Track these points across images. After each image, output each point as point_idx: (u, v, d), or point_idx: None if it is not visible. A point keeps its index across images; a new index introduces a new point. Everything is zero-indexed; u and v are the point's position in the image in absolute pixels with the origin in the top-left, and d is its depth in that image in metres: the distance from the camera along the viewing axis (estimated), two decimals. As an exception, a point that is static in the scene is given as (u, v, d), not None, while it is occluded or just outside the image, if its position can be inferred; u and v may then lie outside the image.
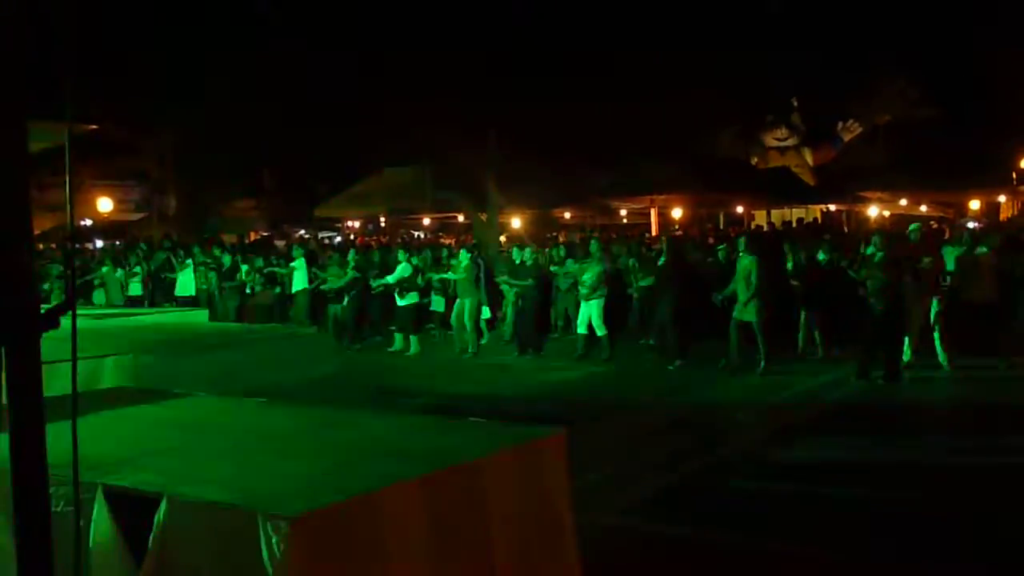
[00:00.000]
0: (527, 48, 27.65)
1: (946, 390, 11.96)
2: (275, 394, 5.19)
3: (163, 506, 2.99)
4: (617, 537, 6.56)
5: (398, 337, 15.96)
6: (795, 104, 38.85)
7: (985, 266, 13.23)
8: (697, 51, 30.87)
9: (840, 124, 38.16)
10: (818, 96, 35.09)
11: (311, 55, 29.23)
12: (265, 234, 34.91)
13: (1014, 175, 25.21)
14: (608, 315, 14.57)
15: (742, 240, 13.67)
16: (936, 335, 12.63)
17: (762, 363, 12.74)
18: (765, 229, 28.95)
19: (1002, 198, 28.73)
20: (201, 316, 9.58)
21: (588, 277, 14.45)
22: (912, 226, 14.14)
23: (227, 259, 18.43)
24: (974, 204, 29.95)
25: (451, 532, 3.20)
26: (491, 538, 3.31)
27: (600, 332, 14.42)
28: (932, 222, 26.93)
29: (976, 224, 21.42)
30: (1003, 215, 28.18)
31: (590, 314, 14.47)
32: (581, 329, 14.67)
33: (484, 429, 3.87)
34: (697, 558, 6.31)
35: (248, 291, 17.82)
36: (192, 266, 18.17)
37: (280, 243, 28.96)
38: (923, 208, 32.15)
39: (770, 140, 39.85)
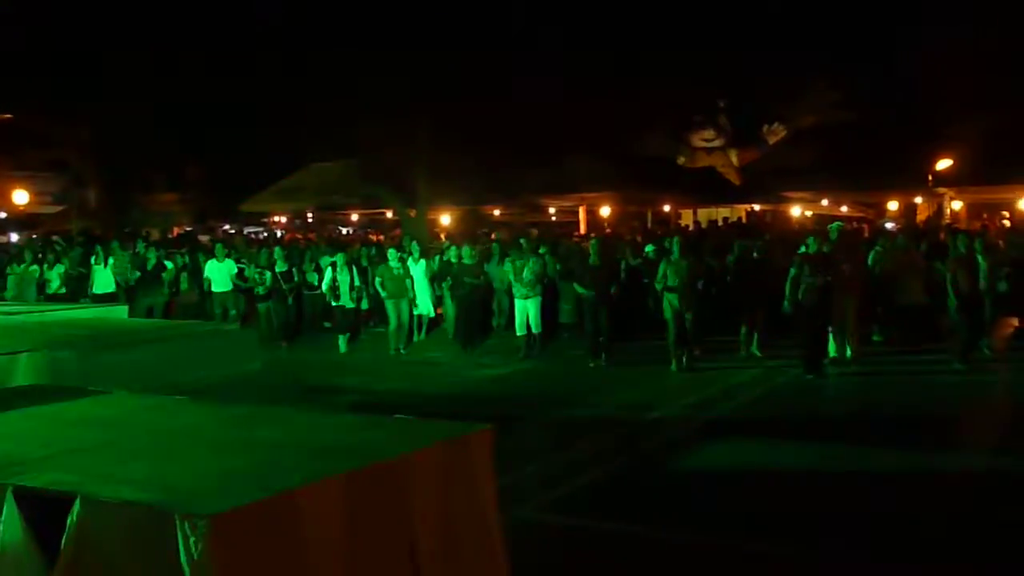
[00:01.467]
0: (456, 42, 27.54)
1: (870, 385, 12.21)
2: (197, 391, 5.09)
3: (76, 506, 2.91)
4: (542, 533, 6.60)
5: (341, 339, 15.78)
6: (722, 106, 39.49)
7: (916, 268, 13.66)
8: (626, 51, 31.11)
9: (765, 126, 38.88)
10: (744, 99, 35.72)
11: (238, 48, 28.75)
12: (189, 229, 34.28)
13: (930, 177, 25.93)
14: (545, 313, 14.65)
15: (676, 241, 13.77)
16: (848, 331, 12.99)
17: (684, 359, 12.96)
18: (691, 229, 29.29)
19: (919, 199, 29.53)
20: (120, 312, 9.38)
21: (527, 275, 14.43)
22: (832, 225, 14.46)
23: (152, 254, 17.96)
24: (892, 205, 30.75)
25: (375, 530, 3.17)
26: (415, 536, 3.29)
27: (536, 330, 14.43)
28: (853, 222, 27.56)
29: (894, 225, 21.99)
30: (920, 216, 28.98)
31: (528, 313, 14.45)
32: (521, 331, 14.67)
33: (409, 426, 3.85)
34: (620, 552, 6.39)
35: (174, 288, 17.39)
36: (111, 261, 17.70)
37: (204, 238, 28.46)
38: (844, 209, 32.92)
39: (697, 141, 40.46)
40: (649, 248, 16.86)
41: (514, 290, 14.70)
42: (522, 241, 15.87)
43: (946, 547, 6.29)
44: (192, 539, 2.70)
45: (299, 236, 30.49)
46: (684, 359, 13.00)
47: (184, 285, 17.25)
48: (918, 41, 27.47)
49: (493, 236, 20.93)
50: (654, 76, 30.96)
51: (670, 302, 12.96)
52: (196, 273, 17.45)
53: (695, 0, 31.88)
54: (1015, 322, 15.00)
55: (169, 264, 17.67)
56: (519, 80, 28.34)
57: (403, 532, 3.25)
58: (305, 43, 27.87)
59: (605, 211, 30.58)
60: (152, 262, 17.38)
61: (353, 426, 3.98)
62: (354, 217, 36.03)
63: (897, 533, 6.53)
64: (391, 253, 15.87)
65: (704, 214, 34.47)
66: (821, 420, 10.45)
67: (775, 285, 13.14)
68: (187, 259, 18.24)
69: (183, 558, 2.69)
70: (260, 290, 16.21)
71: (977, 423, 10.17)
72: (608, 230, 28.25)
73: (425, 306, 16.16)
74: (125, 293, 17.04)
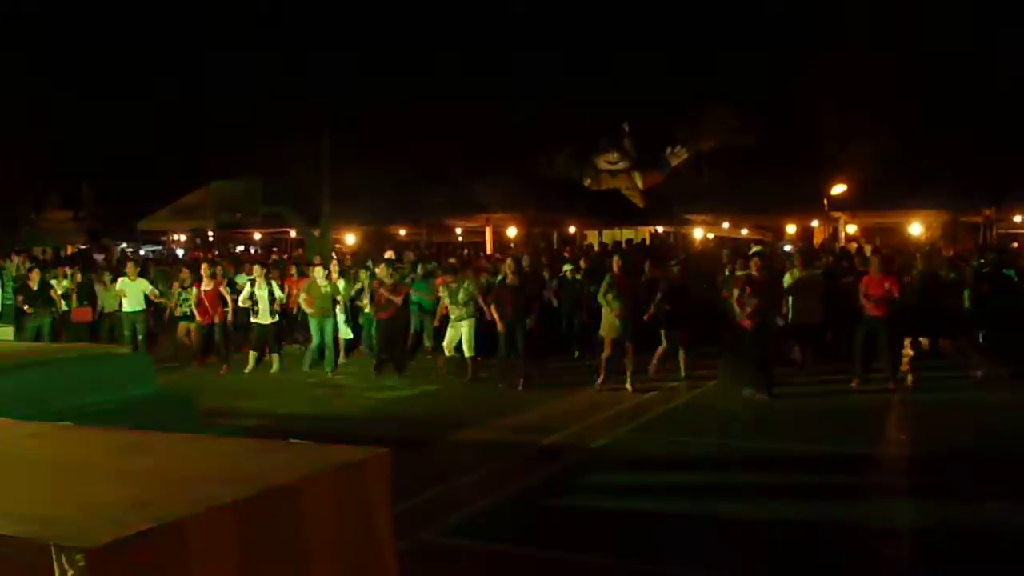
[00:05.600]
0: (360, 55, 27.46)
1: (792, 403, 12.37)
2: (82, 418, 4.89)
3: (-56, 541, 2.75)
4: (439, 557, 6.54)
5: (252, 356, 15.51)
6: (626, 129, 40.15)
7: (816, 288, 14.02)
8: (532, 75, 31.41)
9: (668, 149, 39.65)
10: (648, 122, 36.38)
11: (137, 67, 28.18)
12: (83, 247, 33.23)
13: (825, 201, 26.74)
14: (478, 337, 14.43)
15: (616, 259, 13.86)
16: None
17: (598, 380, 13.05)
18: (597, 250, 29.55)
19: (815, 223, 30.41)
20: (5, 334, 9.02)
21: (462, 296, 14.26)
22: (755, 249, 14.81)
23: (36, 274, 17.20)
24: (791, 228, 31.60)
25: (266, 558, 3.07)
26: (309, 563, 3.20)
27: (468, 354, 14.21)
28: (752, 244, 28.21)
29: (791, 247, 22.58)
30: (816, 239, 29.84)
31: (460, 336, 14.26)
32: (449, 351, 14.52)
33: (302, 451, 3.75)
34: (517, 573, 6.37)
35: (65, 307, 16.71)
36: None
37: (99, 256, 27.61)
38: (744, 231, 33.70)
39: (602, 163, 41.09)
40: (568, 267, 17.02)
41: (449, 312, 14.52)
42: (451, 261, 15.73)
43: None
44: (70, 573, 2.58)
45: (200, 255, 29.82)
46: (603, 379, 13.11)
47: (74, 304, 16.64)
48: (816, 68, 28.38)
49: (412, 256, 20.77)
50: (559, 99, 31.32)
51: (610, 321, 13.06)
52: (90, 293, 16.86)
53: (598, 27, 32.39)
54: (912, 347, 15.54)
55: (61, 283, 16.99)
56: (423, 102, 28.37)
57: (295, 560, 3.16)
58: (206, 63, 27.46)
59: (511, 231, 30.70)
60: (40, 283, 16.71)
61: (245, 451, 3.86)
62: (257, 236, 35.40)
63: (799, 557, 6.65)
64: (318, 271, 15.61)
65: (609, 235, 34.89)
66: (727, 438, 10.59)
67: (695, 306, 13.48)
68: (79, 278, 17.55)
69: (60, 594, 2.56)
70: (187, 308, 15.90)
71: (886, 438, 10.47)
72: (515, 250, 28.33)
73: (343, 327, 15.92)
74: (12, 313, 16.36)
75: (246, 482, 3.22)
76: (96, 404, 6.09)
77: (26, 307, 15.75)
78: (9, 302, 16.50)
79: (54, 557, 2.59)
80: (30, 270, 17.02)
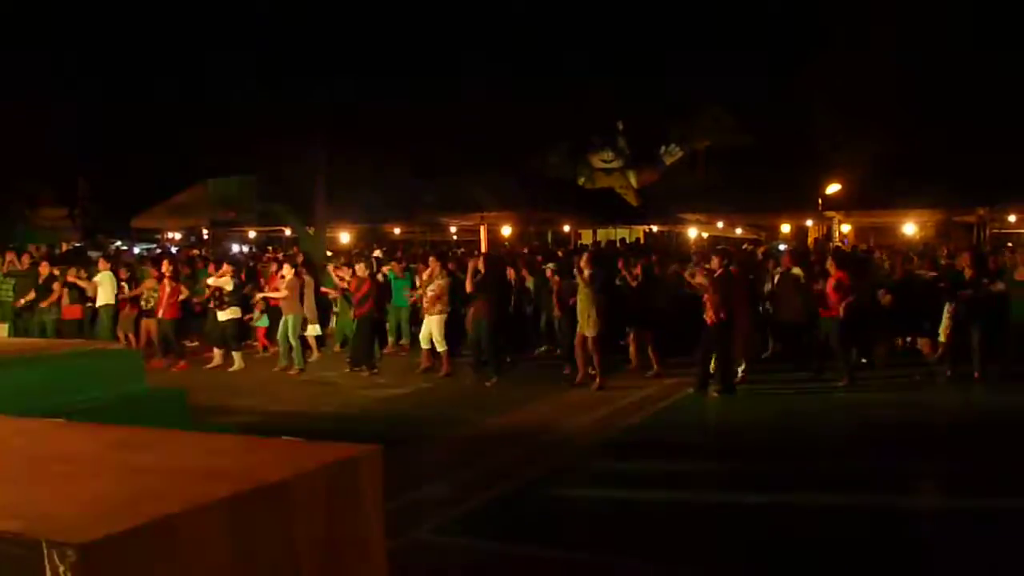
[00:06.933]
0: (355, 54, 27.46)
1: (772, 402, 12.46)
2: (74, 414, 4.89)
3: (-66, 537, 2.75)
4: (432, 554, 6.54)
5: (217, 353, 15.58)
6: (621, 128, 40.14)
7: (794, 287, 14.04)
8: (526, 72, 31.39)
9: (663, 147, 39.65)
10: (642, 121, 36.41)
11: (129, 60, 28.12)
12: (78, 244, 33.15)
13: (819, 201, 26.77)
14: (449, 331, 14.60)
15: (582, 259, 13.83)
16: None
17: (597, 379, 13.05)
18: (593, 248, 29.56)
19: (809, 222, 30.45)
20: (1, 331, 9.01)
21: (431, 290, 14.39)
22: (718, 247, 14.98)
23: (45, 268, 17.19)
24: (785, 227, 31.63)
25: (256, 556, 3.07)
26: (299, 562, 3.20)
27: (440, 348, 14.38)
28: (747, 244, 28.25)
29: (785, 246, 22.63)
30: (811, 238, 29.88)
31: (431, 329, 14.41)
32: (425, 344, 14.63)
33: (295, 447, 3.75)
34: (511, 571, 6.36)
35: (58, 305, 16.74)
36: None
37: (95, 254, 27.55)
38: (739, 231, 33.72)
39: (597, 162, 41.02)
40: (550, 266, 17.01)
41: (422, 304, 14.72)
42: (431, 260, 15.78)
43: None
44: (61, 569, 2.57)
45: (195, 252, 29.76)
46: (597, 379, 13.11)
47: (66, 301, 16.62)
48: (811, 67, 28.43)
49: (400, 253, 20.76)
50: (555, 98, 31.31)
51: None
52: (81, 290, 16.84)
53: (595, 23, 32.40)
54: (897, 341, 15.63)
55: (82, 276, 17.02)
56: (418, 100, 28.35)
57: (285, 558, 3.16)
58: (202, 62, 27.44)
59: (506, 230, 30.70)
60: (43, 279, 16.70)
61: (237, 448, 3.87)
62: (251, 234, 35.34)
63: (800, 555, 6.66)
64: (287, 268, 15.61)
65: (603, 234, 34.88)
66: (721, 435, 10.63)
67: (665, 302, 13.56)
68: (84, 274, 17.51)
69: (51, 590, 2.56)
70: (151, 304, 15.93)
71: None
72: (507, 248, 28.32)
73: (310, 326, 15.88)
74: (10, 311, 16.34)
75: (238, 479, 3.23)
76: (88, 400, 6.08)
77: (21, 302, 15.79)
78: (8, 298, 16.52)
79: (45, 553, 2.59)
80: (36, 264, 17.07)
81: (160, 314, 15.71)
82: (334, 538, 3.33)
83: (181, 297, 16.03)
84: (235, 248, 34.84)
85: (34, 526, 2.76)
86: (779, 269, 14.69)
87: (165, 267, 16.21)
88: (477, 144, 29.38)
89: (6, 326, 14.54)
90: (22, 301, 16.12)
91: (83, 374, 6.40)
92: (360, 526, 3.45)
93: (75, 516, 2.89)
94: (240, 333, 15.86)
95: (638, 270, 14.53)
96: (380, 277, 16.13)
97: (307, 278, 15.73)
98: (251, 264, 20.31)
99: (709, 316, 12.40)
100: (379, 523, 3.52)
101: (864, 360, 14.46)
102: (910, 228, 26.35)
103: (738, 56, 31.59)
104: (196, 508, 2.93)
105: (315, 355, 16.06)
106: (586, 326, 12.94)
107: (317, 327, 16.07)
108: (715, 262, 12.81)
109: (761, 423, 11.20)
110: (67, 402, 5.69)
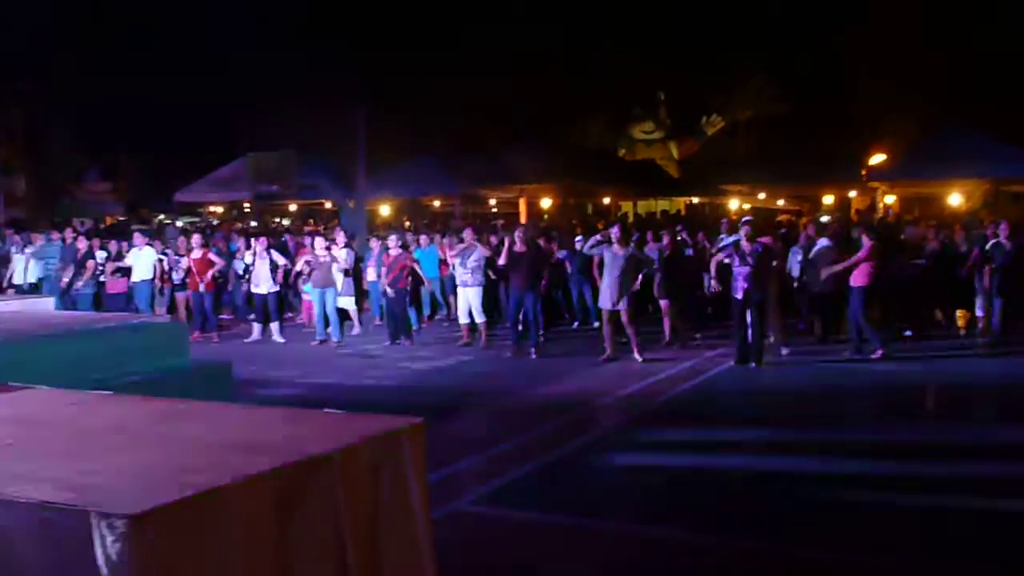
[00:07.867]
0: (397, 31, 27.43)
1: (806, 374, 12.31)
2: (122, 386, 4.95)
3: (-13, 508, 2.79)
4: (475, 526, 6.57)
5: (256, 327, 15.69)
6: (662, 98, 39.69)
7: (825, 259, 13.87)
8: (568, 45, 31.18)
9: (704, 118, 39.16)
10: (683, 91, 35.97)
11: (171, 35, 28.28)
12: (122, 218, 33.58)
13: (863, 172, 26.37)
14: (488, 303, 14.66)
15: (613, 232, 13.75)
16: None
17: (635, 351, 12.98)
18: (631, 220, 29.38)
19: (853, 193, 30.02)
20: (46, 304, 9.13)
21: (470, 262, 14.41)
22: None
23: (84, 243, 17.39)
24: (828, 199, 31.22)
25: (302, 527, 3.09)
26: (344, 533, 3.22)
27: (479, 319, 14.42)
28: (788, 215, 27.89)
29: (829, 218, 22.33)
30: (853, 209, 29.46)
31: (470, 302, 14.43)
32: (463, 319, 14.64)
33: (338, 420, 3.77)
34: (557, 544, 6.36)
35: (102, 279, 16.95)
36: (32, 251, 17.23)
37: (137, 227, 27.87)
38: (780, 202, 33.34)
39: (637, 133, 40.73)
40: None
41: (457, 277, 14.75)
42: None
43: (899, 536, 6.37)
44: (110, 539, 2.60)
45: (238, 225, 30.01)
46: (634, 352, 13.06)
47: (108, 276, 16.85)
48: (855, 38, 27.96)
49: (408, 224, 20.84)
50: (595, 69, 31.07)
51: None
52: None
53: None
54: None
55: (104, 254, 17.23)
56: (458, 73, 28.27)
57: (331, 529, 3.18)
58: (247, 35, 27.53)
59: (546, 203, 30.58)
60: (85, 252, 16.92)
61: (282, 421, 3.90)
62: (292, 208, 35.53)
63: (847, 523, 6.59)
64: (319, 242, 15.68)
65: (643, 206, 34.67)
66: (759, 407, 10.55)
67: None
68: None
69: (100, 561, 2.59)
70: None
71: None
72: (547, 221, 28.22)
73: (344, 298, 15.92)
74: (56, 284, 16.58)
75: (285, 451, 3.25)
76: (135, 373, 6.15)
77: (64, 278, 16.04)
78: (52, 273, 16.78)
79: (94, 524, 2.62)
80: (76, 238, 17.28)
81: (199, 288, 15.86)
82: (379, 509, 3.35)
83: (215, 270, 16.17)
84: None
85: (84, 497, 2.79)
86: (815, 239, 14.60)
87: (199, 241, 16.38)
88: (517, 116, 29.25)
89: (52, 299, 14.74)
90: (64, 279, 16.36)
91: (129, 347, 6.48)
92: (404, 497, 3.46)
93: (124, 487, 2.92)
94: (279, 306, 15.97)
95: (667, 241, 14.44)
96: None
97: (343, 252, 15.80)
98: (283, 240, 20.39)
99: (740, 290, 12.33)
100: (423, 494, 3.53)
101: (909, 333, 14.27)
102: (956, 199, 25.86)
103: (779, 24, 31.14)
104: (243, 480, 2.96)
105: (356, 328, 16.15)
106: (619, 302, 12.84)
107: (351, 301, 16.15)
108: (746, 234, 12.61)
109: (803, 394, 11.10)
110: (115, 375, 5.77)
